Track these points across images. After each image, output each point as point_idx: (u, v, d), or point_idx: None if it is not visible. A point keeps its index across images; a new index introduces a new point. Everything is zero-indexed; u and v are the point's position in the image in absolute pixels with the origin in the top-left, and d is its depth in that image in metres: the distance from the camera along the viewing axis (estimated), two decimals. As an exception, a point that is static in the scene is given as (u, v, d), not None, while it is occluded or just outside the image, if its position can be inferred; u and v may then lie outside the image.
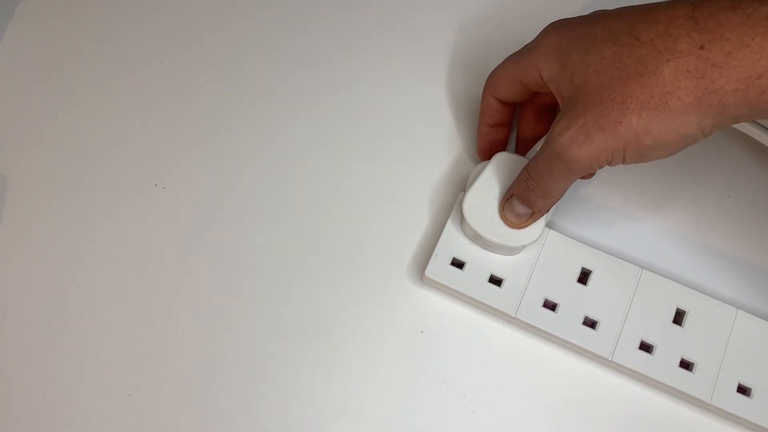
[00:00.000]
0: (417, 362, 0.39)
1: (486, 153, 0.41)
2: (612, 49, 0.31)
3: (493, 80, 0.39)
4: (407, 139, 0.44)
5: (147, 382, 0.39)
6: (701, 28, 0.29)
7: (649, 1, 0.32)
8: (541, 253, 0.39)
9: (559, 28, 0.34)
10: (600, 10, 0.34)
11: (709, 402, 0.36)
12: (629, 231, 0.41)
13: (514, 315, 0.38)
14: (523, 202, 0.36)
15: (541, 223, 0.37)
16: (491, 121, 0.40)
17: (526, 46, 0.36)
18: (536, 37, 0.35)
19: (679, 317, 0.38)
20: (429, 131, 0.44)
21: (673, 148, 0.31)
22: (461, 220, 0.38)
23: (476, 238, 0.38)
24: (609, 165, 0.32)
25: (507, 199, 0.37)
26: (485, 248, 0.39)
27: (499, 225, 0.37)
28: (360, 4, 0.47)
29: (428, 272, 0.39)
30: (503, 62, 0.38)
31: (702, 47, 0.29)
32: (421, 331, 0.40)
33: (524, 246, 0.38)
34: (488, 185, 0.38)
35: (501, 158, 0.38)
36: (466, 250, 0.39)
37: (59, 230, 0.42)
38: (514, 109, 0.40)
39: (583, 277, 0.39)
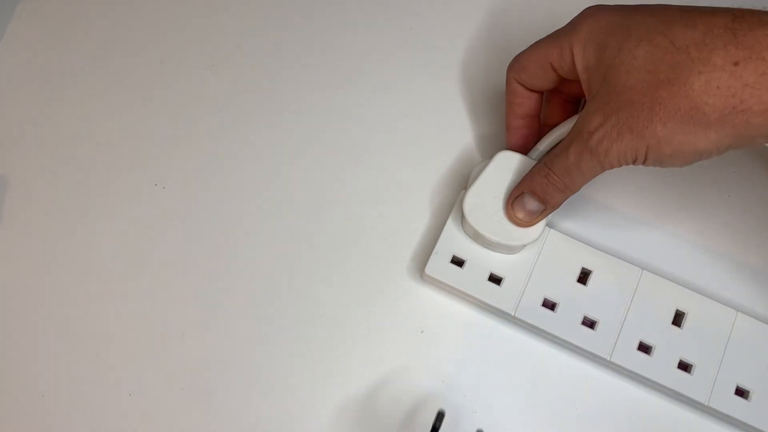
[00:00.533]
0: (417, 362, 0.39)
1: (517, 145, 0.40)
2: (645, 49, 0.30)
3: (520, 63, 0.37)
4: (408, 137, 0.44)
5: (147, 382, 0.39)
6: (739, 42, 0.28)
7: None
8: (541, 252, 0.39)
9: (598, 14, 0.33)
10: (640, 4, 0.33)
11: (707, 404, 0.36)
12: (629, 231, 0.41)
13: (513, 314, 0.38)
14: (540, 197, 0.36)
15: (541, 222, 0.37)
16: (521, 111, 0.39)
17: (559, 30, 0.35)
18: (573, 21, 0.35)
19: (678, 319, 0.38)
20: (430, 129, 0.44)
21: (687, 160, 0.31)
22: (462, 218, 0.38)
23: (476, 237, 0.38)
24: (632, 164, 0.32)
25: (517, 197, 0.37)
26: (485, 247, 0.39)
27: (500, 224, 0.37)
28: (360, 3, 0.47)
29: (428, 270, 0.39)
30: (532, 45, 0.37)
31: (737, 64, 0.28)
32: (421, 331, 0.40)
33: (524, 245, 0.38)
34: (489, 184, 0.38)
35: (503, 157, 0.38)
36: (466, 248, 0.39)
37: (59, 230, 0.42)
38: (541, 100, 0.40)
39: (583, 277, 0.39)
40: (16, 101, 0.45)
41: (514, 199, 0.37)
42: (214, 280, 0.41)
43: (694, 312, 0.38)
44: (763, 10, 0.29)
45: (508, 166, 0.38)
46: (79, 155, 0.44)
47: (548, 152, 0.37)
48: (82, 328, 0.40)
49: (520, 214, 0.37)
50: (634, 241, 0.41)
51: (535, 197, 0.36)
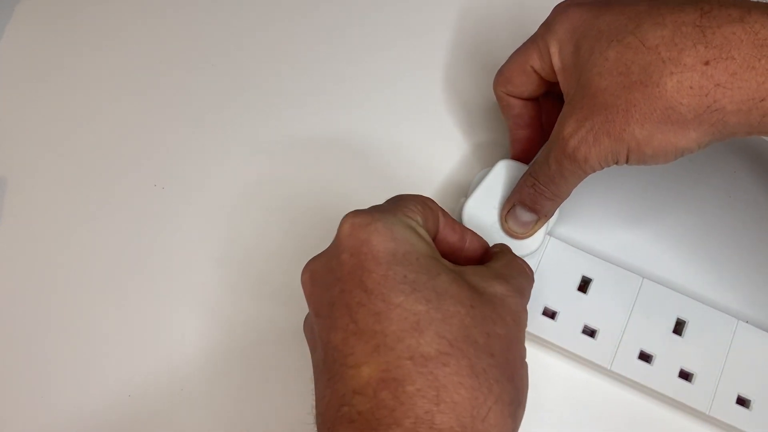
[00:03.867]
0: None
1: (527, 159, 0.40)
2: (616, 50, 0.30)
3: (503, 75, 0.37)
4: (408, 143, 0.44)
5: (147, 383, 0.39)
6: (708, 41, 0.28)
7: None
8: (541, 260, 0.39)
9: (570, 12, 0.33)
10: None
11: (707, 413, 0.36)
12: (629, 238, 0.41)
13: (513, 322, 0.38)
14: (530, 207, 0.36)
15: (541, 231, 0.37)
16: (522, 121, 0.39)
17: (536, 32, 0.35)
18: (547, 21, 0.35)
19: (679, 327, 0.38)
20: (430, 136, 0.44)
21: (669, 158, 0.31)
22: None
23: None
24: (615, 165, 0.32)
25: (509, 210, 0.36)
26: None
27: (500, 233, 0.37)
28: (361, 3, 0.47)
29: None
30: (512, 54, 0.37)
31: (707, 63, 0.28)
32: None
33: (525, 255, 0.37)
34: (489, 193, 0.38)
35: (503, 166, 0.38)
36: None
37: (59, 230, 0.42)
38: (538, 105, 0.39)
39: (584, 285, 0.38)
40: (16, 101, 0.45)
41: (506, 212, 0.37)
42: (214, 280, 0.41)
43: (695, 320, 0.38)
44: None
45: (508, 174, 0.38)
46: (79, 155, 0.44)
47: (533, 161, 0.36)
48: (82, 328, 0.40)
49: (515, 227, 0.37)
50: (634, 248, 0.40)
51: (526, 208, 0.36)
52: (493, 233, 0.37)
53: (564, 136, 0.32)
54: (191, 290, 0.41)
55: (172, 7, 0.47)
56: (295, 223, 0.42)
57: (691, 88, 0.28)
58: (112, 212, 0.42)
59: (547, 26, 0.34)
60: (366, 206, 0.42)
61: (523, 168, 0.38)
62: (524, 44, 0.36)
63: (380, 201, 0.42)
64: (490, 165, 0.39)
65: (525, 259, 0.38)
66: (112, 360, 0.39)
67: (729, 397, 0.36)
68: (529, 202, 0.35)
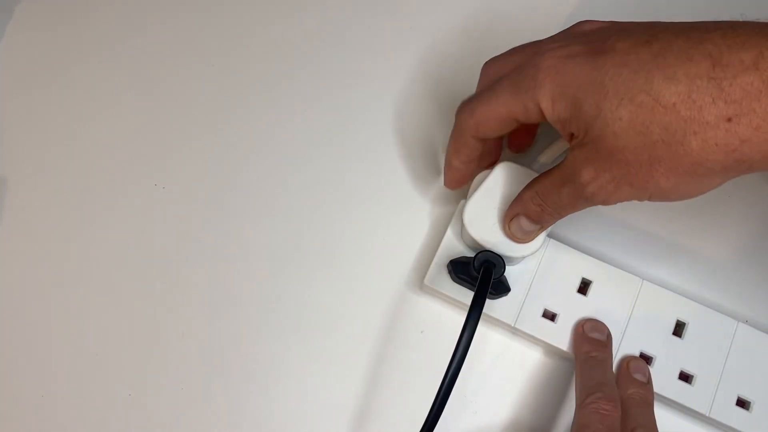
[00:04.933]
0: (417, 362, 0.39)
1: (457, 185, 0.39)
2: (629, 110, 0.29)
3: (477, 119, 0.35)
4: (408, 145, 0.43)
5: (147, 382, 0.39)
6: (726, 96, 0.27)
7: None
8: (541, 262, 0.39)
9: (560, 67, 0.31)
10: (598, 46, 0.31)
11: (707, 415, 0.36)
12: (629, 240, 0.41)
13: (513, 324, 0.38)
14: (534, 220, 0.35)
15: (542, 234, 0.37)
16: (468, 157, 0.37)
17: (517, 85, 0.33)
18: (528, 74, 0.32)
19: (679, 329, 0.38)
20: (431, 139, 0.44)
21: (692, 197, 0.31)
22: (461, 228, 0.38)
23: (476, 247, 0.38)
24: None
25: (513, 217, 0.36)
26: None
27: (500, 235, 0.37)
28: (361, 4, 0.47)
29: (427, 280, 0.38)
30: (485, 100, 0.34)
31: (729, 120, 0.27)
32: (421, 332, 0.40)
33: (525, 256, 0.37)
34: (490, 195, 0.38)
35: (504, 168, 0.38)
36: None
37: (59, 230, 0.42)
38: (500, 141, 0.39)
39: (584, 287, 0.38)
40: (16, 101, 0.45)
41: (510, 219, 0.36)
42: (213, 280, 0.41)
43: (695, 322, 0.37)
44: (738, 32, 0.28)
45: (509, 177, 0.38)
46: (79, 155, 0.44)
47: (540, 175, 0.35)
48: (82, 328, 0.40)
49: (518, 234, 0.36)
50: (634, 250, 0.40)
51: (529, 219, 0.36)
52: (494, 235, 0.37)
53: (582, 181, 0.31)
54: (191, 290, 0.41)
55: (172, 8, 0.47)
56: (296, 222, 0.42)
57: (716, 145, 0.28)
58: (112, 212, 0.42)
59: (533, 80, 0.32)
60: (367, 209, 0.42)
61: (524, 171, 0.38)
62: (504, 95, 0.33)
63: (382, 204, 0.42)
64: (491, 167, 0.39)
65: (525, 260, 0.38)
66: (112, 360, 0.40)
67: (729, 398, 0.36)
68: (534, 217, 0.35)
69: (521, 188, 0.36)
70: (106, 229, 0.42)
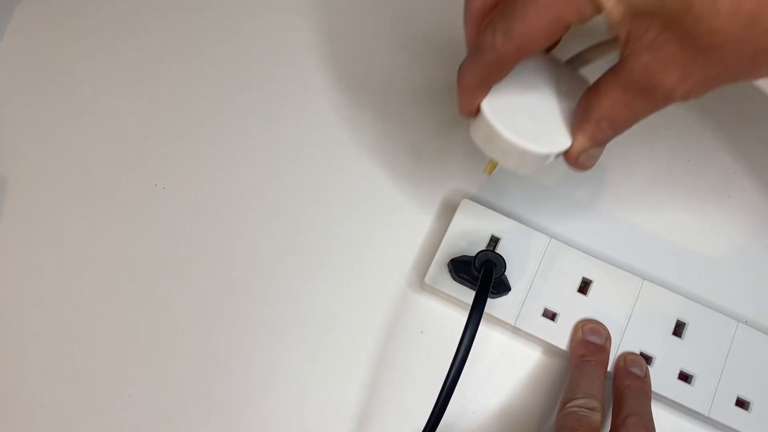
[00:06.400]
0: (417, 363, 0.39)
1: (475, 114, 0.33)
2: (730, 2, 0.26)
3: (518, 42, 0.28)
4: (409, 145, 0.44)
5: (147, 382, 0.39)
6: None
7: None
8: (541, 262, 0.39)
9: None
10: None
11: (707, 415, 0.36)
12: (630, 239, 0.41)
13: (513, 324, 0.38)
14: (603, 144, 0.32)
15: (578, 137, 0.32)
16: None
17: None
18: None
19: (679, 329, 0.38)
20: (431, 138, 0.44)
21: None
22: (473, 122, 0.33)
23: (489, 143, 0.32)
24: None
25: (582, 151, 0.32)
26: (495, 159, 0.33)
27: (524, 127, 0.31)
28: (362, 3, 0.47)
29: (428, 279, 0.38)
30: (517, 15, 0.28)
31: None
32: (421, 332, 0.40)
33: (549, 156, 0.31)
34: (515, 86, 0.32)
35: (537, 60, 0.33)
36: None
37: (59, 230, 0.42)
38: None
39: (584, 286, 0.38)
40: (16, 101, 0.45)
41: (579, 152, 0.32)
42: (213, 280, 0.41)
43: (695, 322, 0.38)
44: None
45: (543, 69, 0.33)
46: (79, 155, 0.44)
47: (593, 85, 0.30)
48: (81, 328, 0.40)
49: (588, 162, 0.32)
50: (634, 249, 0.40)
51: (598, 145, 0.32)
52: (518, 126, 0.31)
53: (666, 87, 0.28)
54: (191, 290, 0.41)
55: (172, 8, 0.47)
56: (296, 222, 0.42)
57: None
58: (113, 212, 0.42)
59: None
60: (368, 207, 0.42)
61: (554, 62, 0.33)
62: (541, 1, 0.27)
63: (383, 197, 0.42)
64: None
65: (525, 260, 0.38)
66: (112, 360, 0.39)
67: (728, 399, 0.36)
68: (603, 140, 0.31)
69: (553, 82, 0.32)
70: (105, 229, 0.42)
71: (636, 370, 0.36)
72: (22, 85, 0.45)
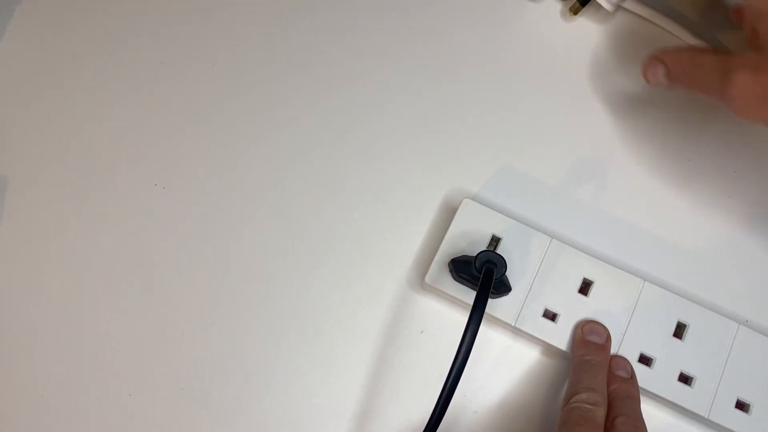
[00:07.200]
0: (417, 362, 0.39)
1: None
2: None
3: None
4: (409, 144, 0.43)
5: (147, 382, 0.39)
6: None
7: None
8: (542, 262, 0.38)
9: None
10: None
11: (707, 417, 0.36)
12: (630, 240, 0.41)
13: (513, 324, 0.38)
14: (670, 80, 0.35)
15: None
16: None
17: None
18: None
19: (679, 330, 0.38)
20: (431, 137, 0.44)
21: None
22: None
23: None
24: None
25: (659, 63, 0.36)
26: None
27: None
28: (362, 3, 0.47)
29: (428, 279, 0.38)
30: None
31: None
32: (421, 332, 0.40)
33: None
34: None
35: None
36: None
37: (59, 230, 0.42)
38: None
39: (585, 287, 0.38)
40: (16, 101, 0.45)
41: (657, 61, 0.36)
42: (213, 280, 0.41)
43: (695, 324, 0.37)
44: None
45: None
46: (79, 155, 0.44)
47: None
48: (82, 328, 0.40)
49: (652, 79, 0.36)
50: (635, 250, 0.40)
51: (667, 76, 0.35)
52: None
53: (731, 80, 0.30)
54: (191, 290, 0.41)
55: (173, 8, 0.47)
56: (296, 222, 0.42)
57: None
58: (112, 212, 0.42)
59: None
60: (368, 206, 0.42)
61: None
62: None
63: (383, 201, 0.42)
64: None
65: (523, 261, 0.38)
66: (112, 359, 0.40)
67: (729, 401, 0.36)
68: (673, 76, 0.35)
69: None
70: (106, 228, 0.42)
71: (621, 373, 0.36)
72: (22, 85, 0.45)
